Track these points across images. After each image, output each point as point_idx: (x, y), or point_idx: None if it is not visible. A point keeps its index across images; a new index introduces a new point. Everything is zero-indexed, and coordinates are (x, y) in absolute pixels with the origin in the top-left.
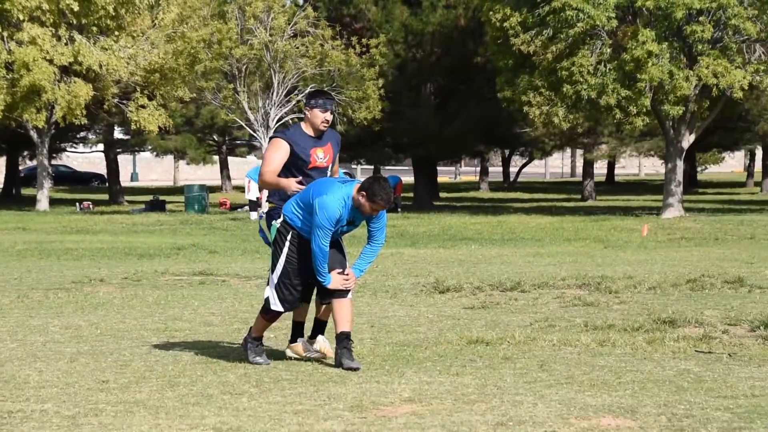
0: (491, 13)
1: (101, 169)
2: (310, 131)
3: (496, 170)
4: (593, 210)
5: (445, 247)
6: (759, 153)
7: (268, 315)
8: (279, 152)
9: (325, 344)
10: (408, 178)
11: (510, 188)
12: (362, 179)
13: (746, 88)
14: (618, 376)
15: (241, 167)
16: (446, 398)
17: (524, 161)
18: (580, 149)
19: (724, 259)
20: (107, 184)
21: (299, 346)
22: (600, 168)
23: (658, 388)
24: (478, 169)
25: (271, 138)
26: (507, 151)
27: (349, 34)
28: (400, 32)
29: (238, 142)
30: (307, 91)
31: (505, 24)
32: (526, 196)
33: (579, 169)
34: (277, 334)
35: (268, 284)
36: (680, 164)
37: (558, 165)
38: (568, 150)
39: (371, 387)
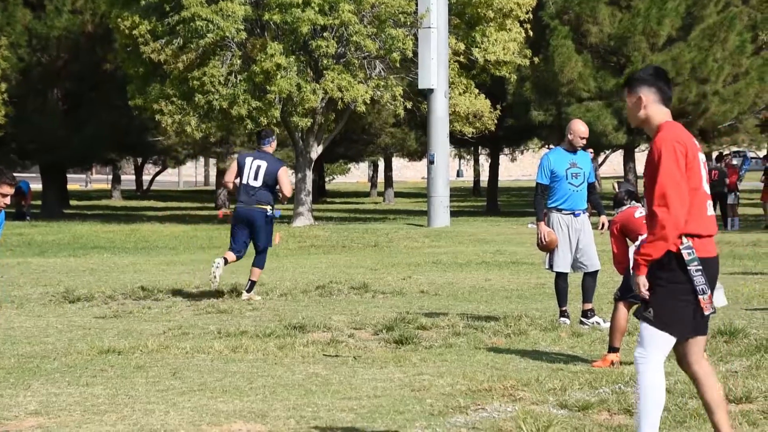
0: (119, 20)
1: None
2: None
3: (129, 178)
4: (227, 218)
5: (76, 255)
6: (381, 164)
7: None
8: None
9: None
10: (36, 186)
11: (143, 196)
12: None
13: (368, 102)
14: (250, 382)
15: None
16: (75, 409)
17: (158, 169)
18: (214, 158)
19: (351, 266)
20: None
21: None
22: None
23: (287, 392)
24: (110, 176)
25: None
26: (140, 159)
27: None
28: (23, 36)
29: None
30: None
31: (134, 32)
32: (160, 204)
33: (213, 178)
34: None
35: None
36: (309, 174)
37: (192, 173)
38: (202, 159)
39: None
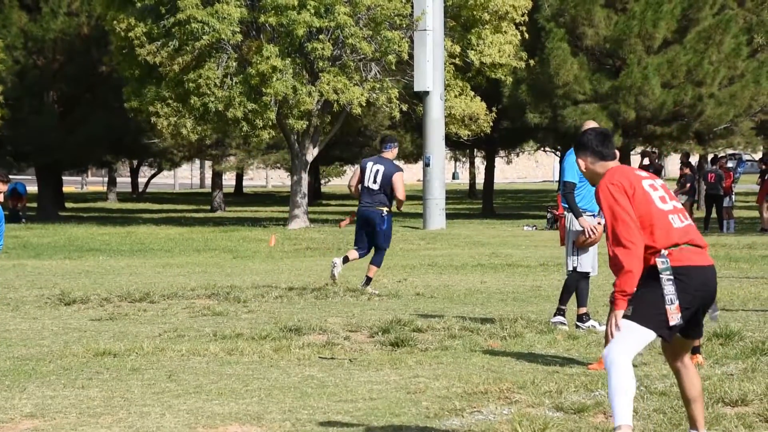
0: (115, 22)
1: None
2: None
3: (124, 180)
4: (222, 221)
5: (72, 258)
6: None
7: None
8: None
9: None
10: (31, 188)
11: (139, 199)
12: None
13: (364, 104)
14: (245, 384)
15: None
16: (71, 412)
17: (153, 172)
18: (209, 161)
19: (346, 268)
20: None
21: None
22: (229, 179)
23: (283, 394)
24: (106, 179)
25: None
26: (135, 162)
27: None
28: (18, 38)
29: None
30: None
31: (130, 34)
32: (156, 206)
33: (208, 181)
34: None
35: None
36: (305, 176)
37: (187, 176)
38: (197, 161)
39: None
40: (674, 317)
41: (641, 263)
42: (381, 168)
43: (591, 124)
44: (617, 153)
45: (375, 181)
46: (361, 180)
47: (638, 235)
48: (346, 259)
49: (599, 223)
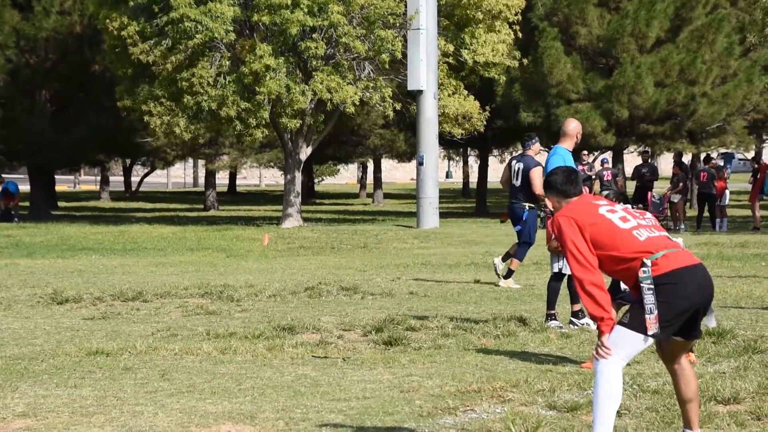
0: (108, 21)
1: None
2: None
3: (117, 179)
4: (216, 220)
5: (64, 257)
6: (370, 166)
7: None
8: None
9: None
10: (24, 187)
11: (132, 198)
12: None
13: (357, 103)
14: (238, 383)
15: None
16: (63, 411)
17: (146, 171)
18: (202, 160)
19: (340, 267)
20: None
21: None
22: (222, 178)
23: (276, 393)
24: (99, 178)
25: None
26: (128, 161)
27: None
28: (11, 37)
29: None
30: None
31: (123, 33)
32: (149, 205)
33: (201, 180)
34: None
35: None
36: (299, 175)
37: (180, 175)
38: (191, 160)
39: None
40: (652, 327)
41: (600, 287)
42: (521, 165)
43: (572, 123)
44: (584, 190)
45: (517, 179)
46: (509, 178)
47: (588, 265)
48: (508, 255)
49: None
